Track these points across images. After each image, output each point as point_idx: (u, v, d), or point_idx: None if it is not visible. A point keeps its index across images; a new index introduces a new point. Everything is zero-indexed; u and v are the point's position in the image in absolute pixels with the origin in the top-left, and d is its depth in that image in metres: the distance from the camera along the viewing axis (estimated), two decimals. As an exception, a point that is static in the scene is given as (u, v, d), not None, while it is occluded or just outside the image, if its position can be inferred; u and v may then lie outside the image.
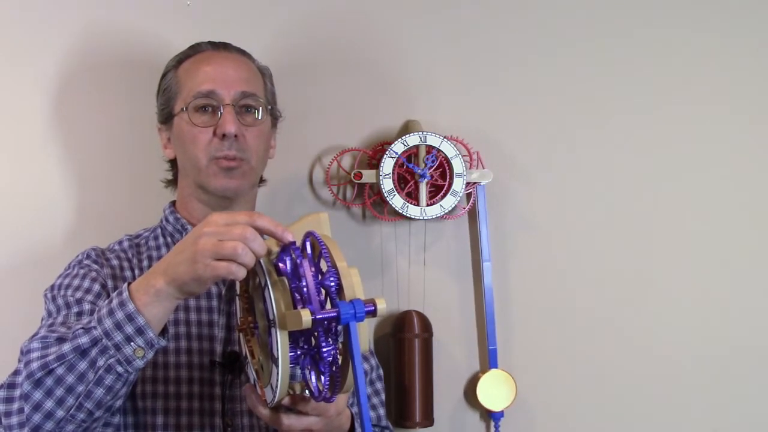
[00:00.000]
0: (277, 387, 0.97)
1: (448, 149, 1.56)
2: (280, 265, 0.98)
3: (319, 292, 0.96)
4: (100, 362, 1.00)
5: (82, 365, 1.00)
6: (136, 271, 1.27)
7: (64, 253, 1.34)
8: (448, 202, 1.57)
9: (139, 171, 1.55)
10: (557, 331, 1.65)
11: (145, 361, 1.02)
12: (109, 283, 1.24)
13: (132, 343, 1.00)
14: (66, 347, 1.01)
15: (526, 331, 1.65)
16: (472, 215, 1.63)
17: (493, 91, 1.65)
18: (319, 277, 0.97)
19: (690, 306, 1.67)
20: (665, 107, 1.67)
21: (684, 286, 1.67)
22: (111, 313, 1.00)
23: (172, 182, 1.40)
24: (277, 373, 0.96)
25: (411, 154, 1.57)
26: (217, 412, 1.20)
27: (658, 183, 1.67)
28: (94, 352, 1.00)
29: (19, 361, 1.06)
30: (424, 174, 1.56)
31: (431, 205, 1.57)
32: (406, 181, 1.59)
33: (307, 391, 1.02)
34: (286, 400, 1.03)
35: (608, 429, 1.66)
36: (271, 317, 0.97)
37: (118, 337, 1.00)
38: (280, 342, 0.95)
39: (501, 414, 1.61)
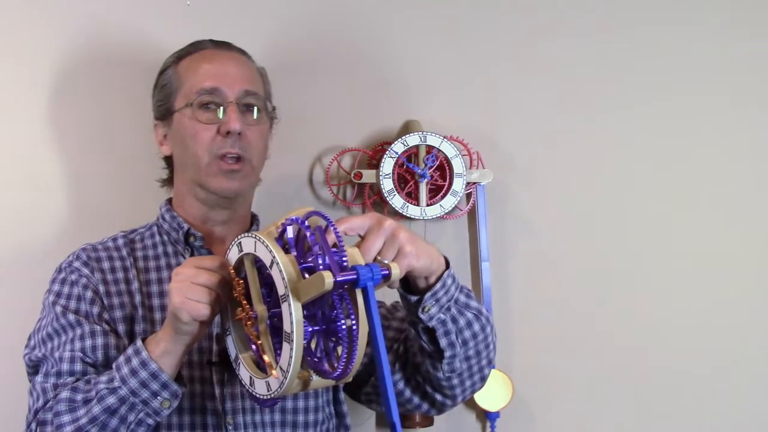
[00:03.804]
0: (290, 367, 0.96)
1: (448, 149, 1.57)
2: (287, 230, 0.99)
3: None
4: (131, 418, 1.09)
5: (114, 422, 1.09)
6: (131, 271, 1.26)
7: (59, 251, 1.33)
8: (448, 202, 1.57)
9: (135, 169, 1.55)
10: (555, 332, 1.65)
11: (171, 410, 1.11)
12: (101, 289, 1.24)
13: (158, 397, 1.09)
14: (96, 409, 1.09)
15: (524, 332, 1.65)
16: (472, 215, 1.63)
17: (493, 91, 1.65)
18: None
19: (689, 306, 1.67)
20: (666, 108, 1.67)
21: (683, 287, 1.67)
22: (134, 372, 1.08)
23: (168, 181, 1.39)
24: (290, 350, 0.95)
25: (411, 154, 1.57)
26: (217, 411, 1.20)
27: (658, 184, 1.67)
28: (123, 409, 1.09)
29: (45, 423, 1.11)
30: (424, 174, 1.56)
31: (431, 205, 1.57)
32: (406, 181, 1.59)
33: (314, 376, 1.01)
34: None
35: (606, 430, 1.66)
36: (281, 293, 0.96)
37: (145, 393, 1.08)
38: (294, 313, 0.94)
39: (497, 414, 1.61)
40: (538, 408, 1.65)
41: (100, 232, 1.35)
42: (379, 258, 1.02)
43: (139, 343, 1.10)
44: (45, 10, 1.54)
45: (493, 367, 1.26)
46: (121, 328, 1.22)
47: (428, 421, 1.57)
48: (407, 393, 1.25)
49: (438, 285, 1.11)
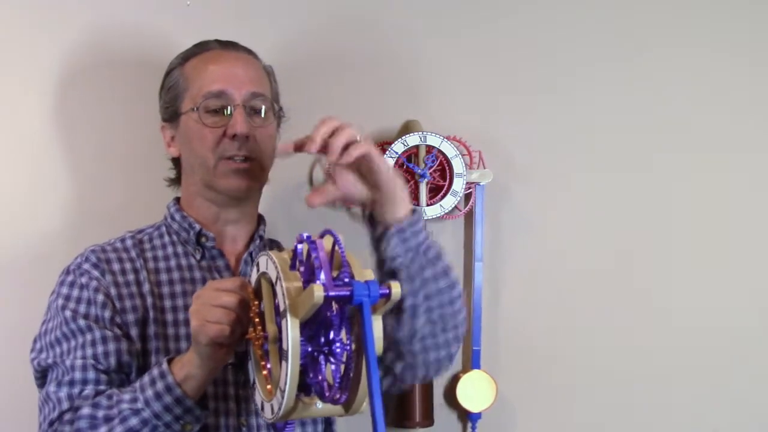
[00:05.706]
0: (286, 385, 0.94)
1: (448, 149, 1.57)
2: (298, 248, 0.98)
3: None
4: None
5: None
6: (142, 273, 1.24)
7: (64, 251, 1.33)
8: (448, 202, 1.57)
9: (138, 169, 1.55)
10: (544, 334, 1.66)
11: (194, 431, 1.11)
12: (113, 291, 1.21)
13: (181, 421, 1.09)
14: (118, 429, 1.08)
15: (512, 334, 1.65)
16: (469, 215, 1.63)
17: (493, 90, 1.65)
18: (333, 274, 0.96)
19: (684, 309, 1.68)
20: (666, 108, 1.68)
21: (678, 290, 1.68)
22: (158, 396, 1.08)
23: (175, 181, 1.38)
24: (287, 368, 0.93)
25: (411, 154, 1.58)
26: (231, 412, 1.20)
27: (657, 186, 1.68)
28: (145, 431, 1.08)
29: None
30: (424, 174, 1.57)
31: (431, 205, 1.57)
32: (406, 181, 1.58)
33: (318, 403, 0.99)
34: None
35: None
36: (282, 308, 0.95)
37: (168, 417, 1.08)
38: (291, 329, 0.93)
39: (479, 415, 1.61)
40: (521, 410, 1.65)
41: (104, 235, 1.34)
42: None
43: (165, 365, 1.09)
44: (47, 12, 1.54)
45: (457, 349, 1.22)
46: (134, 331, 1.20)
47: (429, 421, 1.58)
48: None
49: (405, 223, 1.12)
